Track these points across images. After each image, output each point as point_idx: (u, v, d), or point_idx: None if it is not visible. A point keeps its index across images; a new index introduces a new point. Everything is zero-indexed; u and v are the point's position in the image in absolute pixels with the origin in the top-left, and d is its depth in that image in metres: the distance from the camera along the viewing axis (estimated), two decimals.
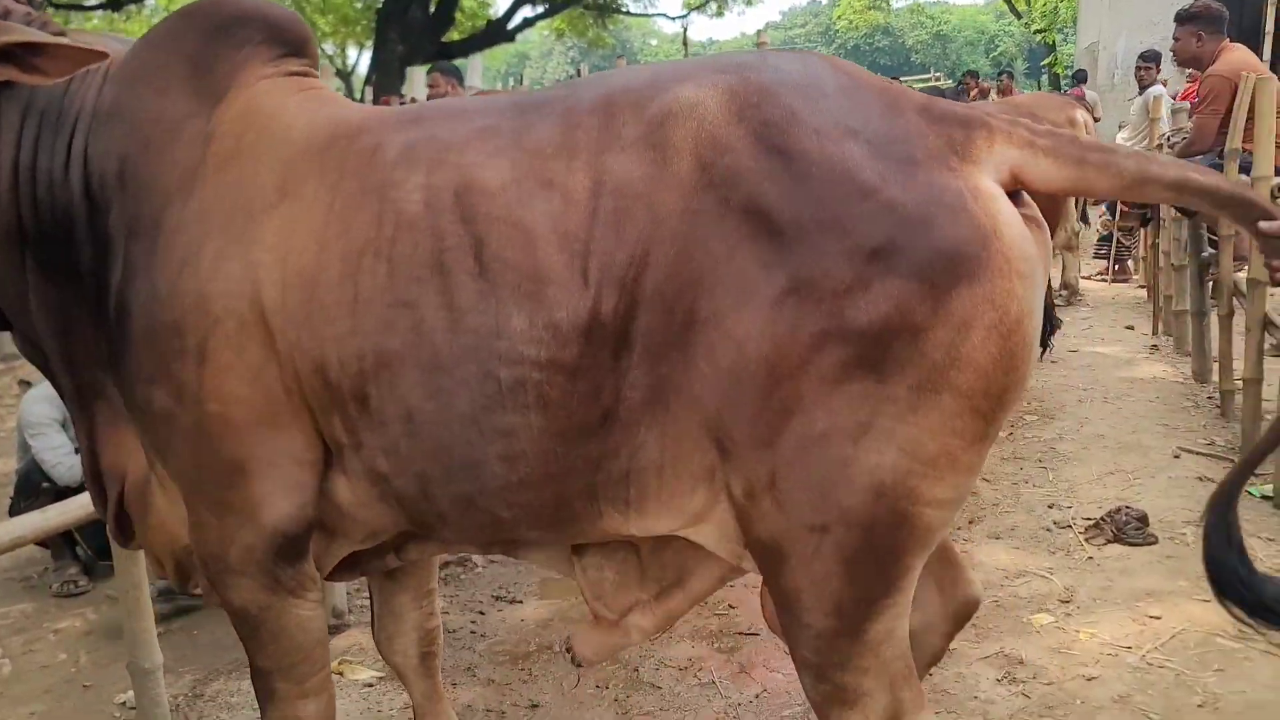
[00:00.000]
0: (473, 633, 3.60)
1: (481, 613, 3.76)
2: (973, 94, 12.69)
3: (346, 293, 1.68)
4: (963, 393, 1.50)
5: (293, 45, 1.97)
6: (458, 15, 19.55)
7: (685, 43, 22.27)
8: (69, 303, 1.91)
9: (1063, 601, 3.46)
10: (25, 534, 2.43)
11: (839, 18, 57.64)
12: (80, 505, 2.75)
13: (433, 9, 17.96)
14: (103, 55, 1.83)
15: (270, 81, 1.91)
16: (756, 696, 3.04)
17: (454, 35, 19.30)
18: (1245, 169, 4.71)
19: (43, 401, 4.27)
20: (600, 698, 3.10)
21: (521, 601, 3.84)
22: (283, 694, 1.96)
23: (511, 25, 19.60)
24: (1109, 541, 3.88)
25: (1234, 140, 4.93)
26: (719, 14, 24.30)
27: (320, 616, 2.00)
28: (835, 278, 1.49)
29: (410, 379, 1.67)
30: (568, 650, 2.08)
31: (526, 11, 19.75)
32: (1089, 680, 2.95)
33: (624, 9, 23.38)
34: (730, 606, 3.67)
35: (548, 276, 1.59)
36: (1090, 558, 3.78)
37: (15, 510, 4.16)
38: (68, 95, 1.91)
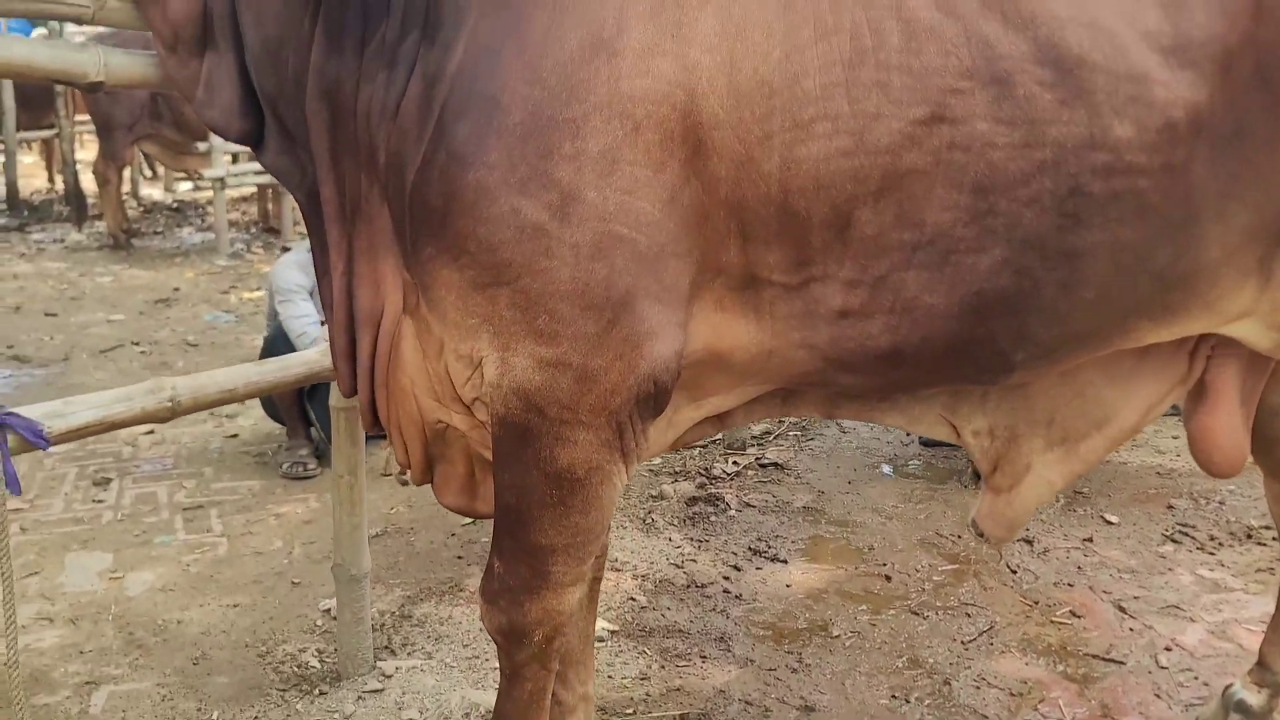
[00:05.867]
0: (726, 592, 2.90)
1: (737, 568, 3.04)
2: None
3: (836, 107, 1.49)
4: None
5: None
6: None
7: None
8: (346, 78, 1.63)
9: None
10: (235, 386, 1.96)
11: None
12: (302, 362, 2.28)
13: None
14: None
15: None
16: None
17: None
18: None
19: (294, 268, 3.94)
20: (895, 712, 2.31)
21: (785, 561, 3.09)
22: (557, 579, 1.69)
23: None
24: None
25: None
26: None
27: None
28: None
29: (939, 201, 1.50)
30: (974, 527, 1.92)
31: None
32: None
33: None
34: (1073, 614, 2.75)
35: (1147, 76, 1.48)
36: None
37: None
38: None
